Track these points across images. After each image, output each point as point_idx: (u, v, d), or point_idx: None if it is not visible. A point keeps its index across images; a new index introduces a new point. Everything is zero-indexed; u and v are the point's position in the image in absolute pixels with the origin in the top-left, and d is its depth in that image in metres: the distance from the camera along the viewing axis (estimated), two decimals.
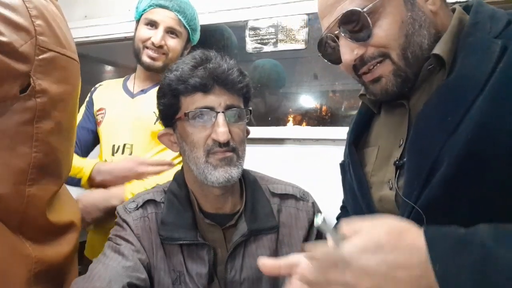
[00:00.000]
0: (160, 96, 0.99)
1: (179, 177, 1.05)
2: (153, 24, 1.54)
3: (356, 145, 0.89)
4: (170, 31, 1.54)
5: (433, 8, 0.74)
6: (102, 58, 2.44)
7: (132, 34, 2.14)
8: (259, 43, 1.95)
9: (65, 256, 0.94)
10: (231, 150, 0.94)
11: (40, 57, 0.83)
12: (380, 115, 0.88)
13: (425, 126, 0.70)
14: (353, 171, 0.85)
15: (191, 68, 0.93)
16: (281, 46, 1.91)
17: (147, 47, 1.53)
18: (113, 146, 1.55)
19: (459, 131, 0.64)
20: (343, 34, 0.74)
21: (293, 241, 1.02)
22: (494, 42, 0.66)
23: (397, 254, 0.51)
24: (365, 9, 0.70)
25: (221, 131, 0.90)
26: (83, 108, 1.70)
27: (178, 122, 0.97)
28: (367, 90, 0.81)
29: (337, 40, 0.76)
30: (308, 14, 1.83)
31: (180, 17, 1.54)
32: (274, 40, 1.92)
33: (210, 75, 0.92)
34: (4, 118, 0.80)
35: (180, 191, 1.01)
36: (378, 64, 0.74)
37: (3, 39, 0.75)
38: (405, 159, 0.73)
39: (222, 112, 0.92)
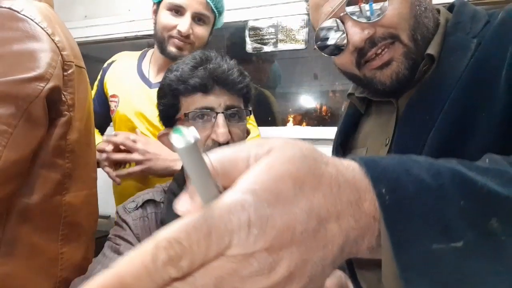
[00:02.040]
0: (160, 96, 0.99)
1: (179, 177, 1.05)
2: (178, 10, 1.35)
3: (344, 147, 0.88)
4: (198, 17, 1.37)
5: None
6: (102, 58, 2.44)
7: (133, 33, 2.16)
8: (259, 43, 1.95)
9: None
10: None
11: (67, 72, 0.86)
12: (370, 116, 0.87)
13: (408, 126, 0.70)
14: None
15: (191, 68, 0.93)
16: (281, 46, 1.91)
17: (172, 36, 1.36)
18: None
19: (435, 128, 0.64)
20: (351, 15, 0.71)
21: None
22: (472, 42, 0.67)
23: (325, 196, 0.28)
24: None
25: (221, 132, 0.90)
26: (94, 89, 1.56)
27: (178, 122, 0.97)
28: (371, 82, 0.75)
29: (342, 24, 0.73)
30: (308, 14, 1.83)
31: (208, 0, 1.36)
32: (274, 40, 1.93)
33: (210, 75, 0.91)
34: (49, 136, 0.83)
35: (180, 191, 1.01)
36: (386, 49, 0.71)
37: (41, 71, 0.78)
38: None
39: (222, 112, 0.92)
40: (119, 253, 0.92)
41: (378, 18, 0.69)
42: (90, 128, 1.00)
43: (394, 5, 0.69)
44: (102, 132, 1.65)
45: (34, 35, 0.79)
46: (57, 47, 0.83)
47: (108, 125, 1.64)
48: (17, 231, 0.81)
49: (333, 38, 0.75)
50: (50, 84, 0.79)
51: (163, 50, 1.40)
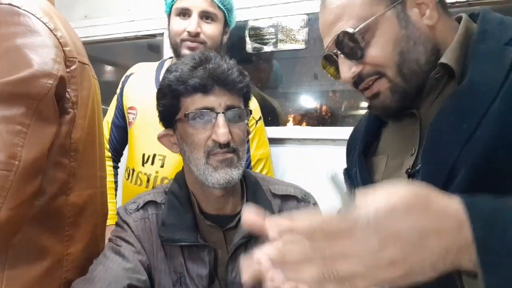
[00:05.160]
0: (160, 97, 0.99)
1: (180, 178, 1.05)
2: (185, 12, 1.40)
3: (365, 153, 0.88)
4: (205, 16, 1.40)
5: (430, 23, 0.73)
6: (102, 58, 2.45)
7: (133, 33, 2.15)
8: (259, 43, 1.95)
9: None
10: (232, 151, 0.93)
11: (70, 68, 0.85)
12: (389, 125, 0.88)
13: (440, 134, 0.69)
14: (361, 180, 0.84)
15: (191, 68, 0.92)
16: (281, 46, 1.91)
17: (184, 40, 1.40)
18: (143, 155, 1.44)
19: (474, 138, 0.63)
20: (340, 54, 0.75)
21: None
22: (505, 49, 0.66)
23: (429, 218, 0.44)
24: (357, 30, 0.71)
25: (221, 132, 0.90)
26: (114, 102, 1.59)
27: (179, 123, 0.96)
28: (371, 105, 0.82)
29: (337, 58, 0.77)
30: (308, 14, 1.83)
31: None
32: (274, 40, 1.92)
33: (210, 75, 0.91)
34: (55, 134, 0.82)
35: (180, 192, 1.01)
36: (375, 82, 0.75)
37: (47, 67, 0.77)
38: (418, 168, 0.72)
39: (222, 112, 0.92)
40: (120, 254, 0.93)
41: (363, 59, 0.73)
42: (94, 126, 0.99)
43: (376, 45, 0.72)
44: (122, 147, 1.63)
45: (37, 30, 0.78)
46: (60, 42, 0.82)
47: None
48: (26, 233, 0.80)
49: (334, 68, 0.81)
50: (57, 81, 0.78)
51: (178, 55, 1.42)
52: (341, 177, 0.46)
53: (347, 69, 0.75)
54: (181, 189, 1.02)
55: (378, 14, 0.71)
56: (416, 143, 0.75)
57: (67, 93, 0.84)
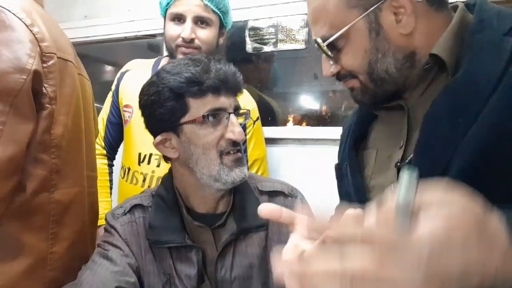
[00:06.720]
0: (161, 100, 0.95)
1: (167, 181, 1.05)
2: (179, 17, 1.40)
3: (356, 148, 0.88)
4: (200, 21, 1.40)
5: (404, 32, 0.71)
6: (102, 58, 2.45)
7: (133, 33, 2.17)
8: (259, 43, 1.94)
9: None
10: (240, 150, 0.97)
11: (47, 64, 0.84)
12: (378, 119, 0.87)
13: (435, 128, 0.67)
14: (351, 175, 0.84)
15: (202, 70, 0.93)
16: (281, 46, 1.91)
17: (178, 45, 1.40)
18: (139, 154, 1.44)
19: (471, 133, 0.61)
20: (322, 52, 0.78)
21: (283, 238, 1.02)
22: (504, 40, 0.63)
23: (482, 251, 0.37)
24: (331, 39, 0.72)
25: (238, 131, 0.93)
26: (109, 99, 1.58)
27: (185, 125, 0.95)
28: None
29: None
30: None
31: (206, 2, 1.38)
32: (274, 40, 1.92)
33: (222, 77, 0.93)
34: (33, 130, 0.82)
35: (167, 195, 1.02)
36: (349, 80, 0.77)
37: (20, 62, 0.77)
38: (407, 161, 0.70)
39: (234, 112, 0.96)
40: (107, 258, 0.93)
41: (338, 62, 0.75)
42: (80, 124, 0.98)
43: (350, 53, 0.74)
44: (118, 144, 1.62)
45: (12, 25, 0.78)
46: (36, 38, 0.82)
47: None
48: (5, 229, 0.80)
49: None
50: (31, 76, 0.78)
51: (174, 59, 1.41)
52: (415, 177, 0.38)
53: (328, 67, 0.78)
54: (167, 192, 1.02)
55: (350, 24, 0.71)
56: (404, 135, 0.74)
57: (44, 88, 0.83)
